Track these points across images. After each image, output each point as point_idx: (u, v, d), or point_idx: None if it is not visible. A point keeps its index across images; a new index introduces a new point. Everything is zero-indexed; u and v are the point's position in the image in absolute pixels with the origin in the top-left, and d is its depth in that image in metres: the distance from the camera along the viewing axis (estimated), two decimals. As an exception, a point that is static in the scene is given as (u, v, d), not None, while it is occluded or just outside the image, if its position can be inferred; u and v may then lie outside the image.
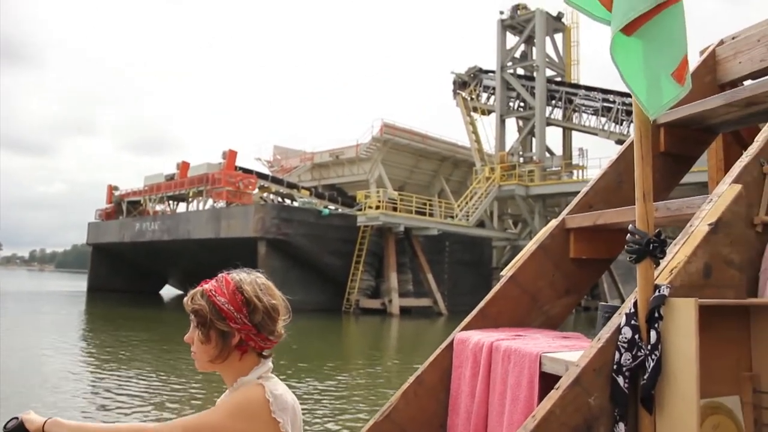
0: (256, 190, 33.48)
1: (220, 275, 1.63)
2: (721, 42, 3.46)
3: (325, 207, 31.76)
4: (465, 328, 2.80)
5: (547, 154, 38.10)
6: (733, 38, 3.40)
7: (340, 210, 32.67)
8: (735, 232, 2.04)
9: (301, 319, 24.64)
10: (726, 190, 2.08)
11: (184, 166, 36.55)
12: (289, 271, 28.66)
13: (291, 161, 41.09)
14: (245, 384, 1.57)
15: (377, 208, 30.62)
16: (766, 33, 3.14)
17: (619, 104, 33.82)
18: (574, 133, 38.41)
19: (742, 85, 3.39)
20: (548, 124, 37.91)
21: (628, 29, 1.82)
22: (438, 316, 29.95)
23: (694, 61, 3.49)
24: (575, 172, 36.55)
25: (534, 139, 38.55)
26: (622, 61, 1.83)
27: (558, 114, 38.12)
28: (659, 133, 3.15)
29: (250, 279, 1.62)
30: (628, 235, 1.90)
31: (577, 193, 3.18)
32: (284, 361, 12.87)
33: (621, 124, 34.11)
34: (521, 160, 37.77)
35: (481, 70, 41.89)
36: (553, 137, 39.60)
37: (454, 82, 42.28)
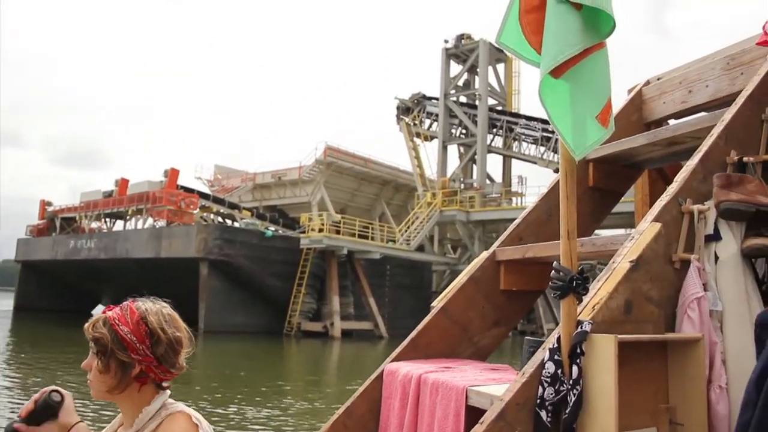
0: (197, 210, 33.02)
1: (125, 303, 1.60)
2: (648, 82, 3.60)
3: (267, 228, 31.53)
4: (395, 359, 2.81)
5: (488, 181, 38.77)
6: (659, 79, 3.54)
7: (282, 232, 32.46)
8: (654, 269, 2.11)
9: (242, 341, 24.42)
10: (646, 229, 2.16)
11: (122, 183, 35.83)
12: (231, 293, 28.32)
13: (232, 181, 40.70)
14: (164, 414, 1.54)
15: (320, 230, 30.56)
16: (687, 76, 3.28)
17: (558, 134, 34.57)
18: (514, 161, 39.30)
19: (667, 124, 3.53)
20: (489, 152, 38.64)
21: (556, 72, 1.88)
22: (379, 340, 29.93)
23: (622, 99, 3.62)
24: (514, 199, 37.38)
25: (475, 166, 39.24)
26: (550, 102, 1.88)
27: (499, 142, 39.00)
28: (588, 169, 3.25)
29: (156, 309, 1.59)
30: (553, 271, 1.95)
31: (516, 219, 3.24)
32: (216, 383, 12.64)
33: (559, 154, 34.98)
34: (462, 186, 38.34)
35: (424, 97, 42.47)
36: (494, 164, 40.39)
37: (398, 108, 42.76)
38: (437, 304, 2.93)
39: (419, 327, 2.87)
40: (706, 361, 2.10)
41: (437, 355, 2.87)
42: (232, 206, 34.82)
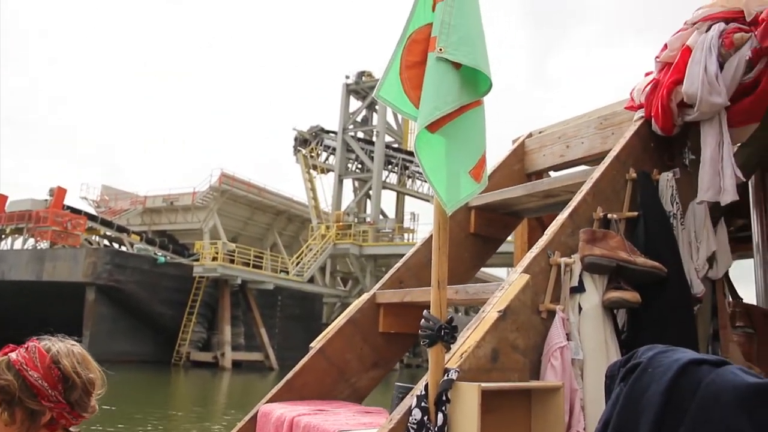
0: (83, 232, 31.62)
1: (30, 344, 1.46)
2: (530, 134, 3.77)
3: (158, 254, 30.58)
4: (270, 400, 2.78)
5: (381, 216, 39.28)
6: (540, 132, 3.71)
7: (170, 258, 31.53)
8: (522, 319, 2.19)
9: (127, 371, 23.38)
10: (516, 279, 2.24)
11: (1, 200, 33.88)
12: (117, 320, 27.22)
13: (120, 203, 39.26)
14: None
15: (215, 259, 29.92)
16: (565, 132, 3.45)
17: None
18: (407, 197, 40.16)
19: (548, 175, 3.70)
20: (384, 188, 39.26)
21: (433, 127, 1.95)
22: (269, 371, 29.42)
23: (506, 150, 3.77)
24: (406, 235, 38.03)
25: (369, 201, 39.74)
26: (425, 156, 1.94)
27: (393, 179, 39.82)
28: (470, 216, 3.36)
29: (67, 350, 1.47)
30: (422, 320, 1.99)
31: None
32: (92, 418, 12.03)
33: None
34: (356, 220, 38.62)
35: (323, 130, 42.70)
36: (388, 200, 41.04)
37: (296, 139, 42.75)
38: (315, 345, 2.93)
39: (296, 368, 2.86)
40: (566, 407, 2.19)
41: (313, 397, 2.86)
42: (121, 230, 33.58)
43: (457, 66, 1.97)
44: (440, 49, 1.96)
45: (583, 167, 3.49)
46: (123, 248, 32.02)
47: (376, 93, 2.03)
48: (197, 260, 30.43)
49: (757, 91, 2.58)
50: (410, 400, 2.02)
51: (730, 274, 4.90)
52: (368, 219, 38.59)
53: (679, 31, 2.87)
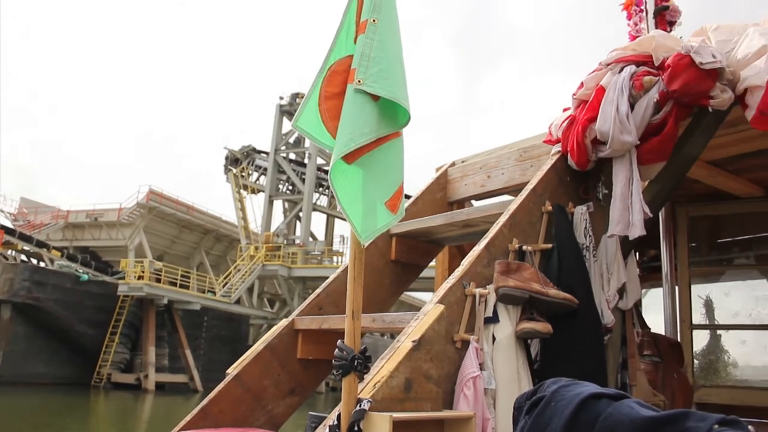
0: (-1, 247, 30.35)
1: None
2: (453, 163, 3.83)
3: (80, 271, 29.58)
4: (184, 428, 2.72)
5: (311, 239, 39.09)
6: (463, 161, 3.78)
7: (97, 276, 30.53)
8: (436, 349, 2.22)
9: (40, 394, 22.44)
10: (431, 309, 2.27)
11: None
12: (33, 340, 26.13)
13: (41, 217, 37.90)
14: None
15: (140, 278, 29.15)
16: (486, 162, 3.53)
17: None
18: (337, 220, 40.05)
19: (470, 204, 3.77)
20: (314, 210, 39.15)
21: (349, 158, 1.96)
22: (193, 393, 28.72)
23: (429, 178, 3.82)
24: (335, 257, 37.91)
25: (299, 223, 39.54)
26: (340, 186, 1.95)
27: (324, 201, 39.84)
28: (391, 243, 3.38)
29: None
30: (336, 350, 1.99)
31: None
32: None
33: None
34: (285, 241, 38.33)
35: (254, 150, 42.32)
36: (318, 222, 40.91)
37: (227, 158, 42.23)
38: (231, 371, 2.89)
39: (210, 395, 2.81)
40: (478, 437, 2.22)
41: (228, 424, 2.81)
42: (41, 245, 32.38)
43: (375, 98, 2.00)
44: (359, 81, 1.98)
45: (505, 197, 3.58)
46: (42, 264, 30.86)
47: (294, 123, 2.04)
48: (122, 278, 29.60)
49: (664, 132, 2.70)
50: (323, 430, 2.01)
51: (642, 303, 5.10)
52: (298, 241, 38.38)
53: (594, 71, 2.98)
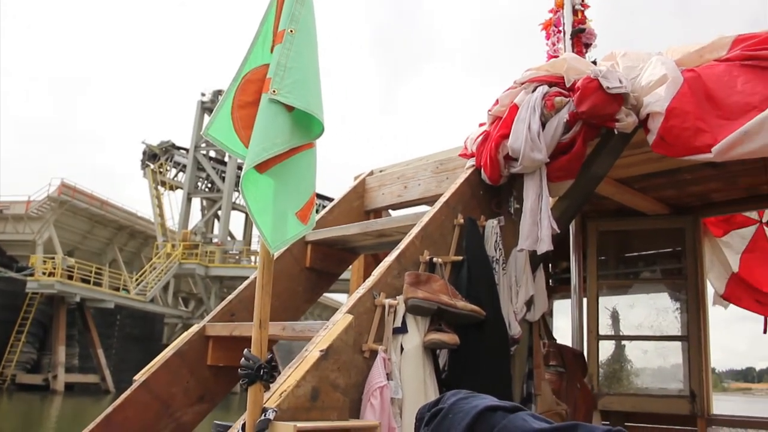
0: None
1: None
2: (372, 172, 3.87)
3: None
4: (86, 436, 2.65)
5: (229, 238, 38.54)
6: (381, 171, 3.82)
7: (3, 272, 29.21)
8: (344, 359, 2.23)
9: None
10: (340, 319, 2.29)
11: None
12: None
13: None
14: None
15: (51, 274, 28.04)
16: (404, 172, 3.58)
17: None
18: (255, 221, 39.59)
19: (388, 213, 3.81)
20: (233, 209, 38.56)
21: (261, 167, 1.96)
22: (105, 394, 27.84)
23: (347, 186, 3.84)
24: (254, 257, 37.47)
25: (218, 222, 38.93)
26: (251, 196, 1.95)
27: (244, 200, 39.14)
28: (306, 250, 3.38)
29: None
30: (242, 359, 1.99)
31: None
32: None
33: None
34: (203, 240, 37.67)
35: (173, 146, 41.39)
36: (237, 222, 40.36)
37: (145, 153, 41.13)
38: (139, 377, 2.83)
39: (116, 402, 2.75)
40: (383, 446, 2.25)
41: (134, 432, 2.75)
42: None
43: (290, 108, 2.00)
44: (273, 91, 1.98)
45: (422, 207, 3.63)
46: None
47: (205, 131, 2.03)
48: (31, 275, 28.44)
49: (572, 151, 2.81)
50: (226, 439, 2.00)
51: (553, 313, 5.26)
52: (216, 239, 37.79)
53: (509, 89, 3.07)
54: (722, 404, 4.71)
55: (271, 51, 2.07)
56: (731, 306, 5.17)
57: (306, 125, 2.05)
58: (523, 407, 1.60)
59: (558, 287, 5.16)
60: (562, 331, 4.59)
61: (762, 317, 5.20)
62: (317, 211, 3.32)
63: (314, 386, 2.13)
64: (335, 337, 2.21)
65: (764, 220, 4.87)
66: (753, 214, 4.99)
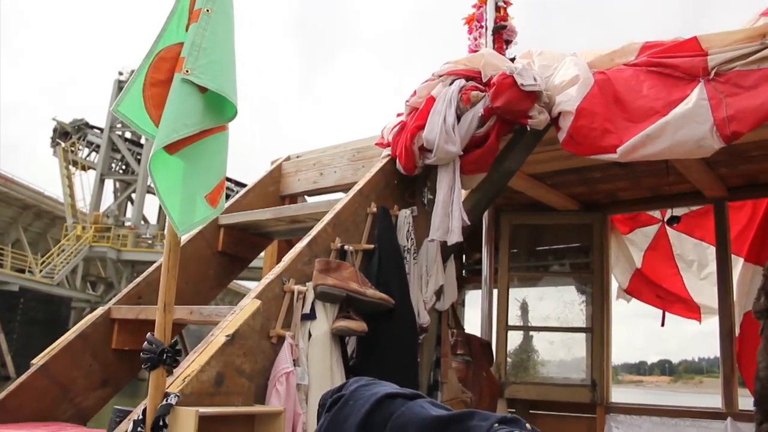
0: None
1: None
2: (288, 158, 3.84)
3: None
4: (-22, 422, 2.55)
5: (143, 222, 37.51)
6: (298, 157, 3.80)
7: None
8: (250, 344, 2.22)
9: None
10: (248, 304, 2.27)
11: None
12: None
13: None
14: None
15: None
16: (320, 159, 3.57)
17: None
18: (172, 204, 38.65)
19: (303, 199, 3.79)
20: (148, 192, 37.52)
21: (171, 148, 1.92)
22: (5, 380, 26.72)
23: (263, 171, 3.81)
24: (167, 242, 36.62)
25: (131, 205, 37.86)
26: (160, 177, 1.91)
27: (159, 183, 38.18)
28: (218, 234, 3.33)
29: None
30: (145, 343, 1.95)
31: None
32: None
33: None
34: (116, 223, 36.53)
35: (87, 125, 39.78)
36: (151, 205, 39.29)
37: (55, 131, 39.33)
38: (37, 361, 2.74)
39: (10, 388, 2.65)
40: (287, 430, 2.25)
41: (30, 419, 2.65)
42: None
43: (203, 90, 1.97)
44: (187, 71, 1.94)
45: (339, 195, 3.63)
46: None
47: (115, 107, 1.97)
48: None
49: (486, 145, 2.87)
50: (126, 425, 1.96)
51: (465, 303, 5.37)
52: (129, 223, 36.72)
53: (427, 81, 3.11)
54: (617, 394, 4.91)
55: (186, 29, 2.03)
56: (631, 302, 5.41)
57: (218, 107, 2.02)
58: (422, 394, 1.63)
59: (471, 278, 5.27)
60: (474, 322, 4.69)
61: (660, 312, 5.46)
62: (229, 197, 3.30)
63: (219, 371, 2.11)
64: (242, 322, 2.19)
65: (665, 220, 5.09)
66: (656, 214, 5.22)
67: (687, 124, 2.53)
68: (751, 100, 2.46)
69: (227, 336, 2.15)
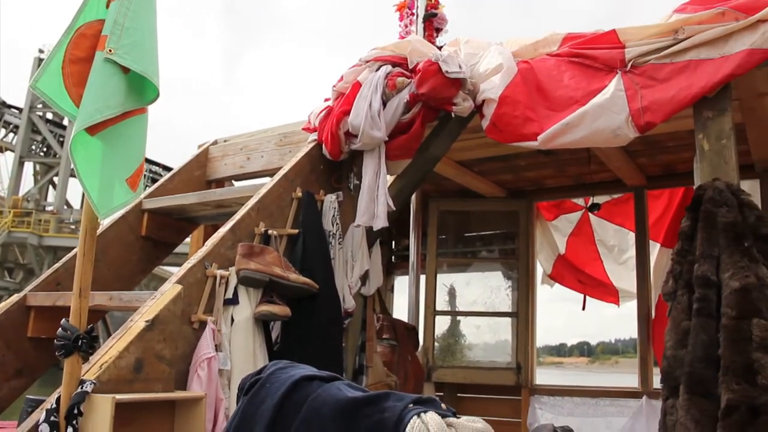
0: None
1: None
2: (216, 142, 3.79)
3: None
4: None
5: (66, 206, 36.36)
6: (225, 141, 3.76)
7: None
8: (170, 329, 2.19)
9: None
10: (168, 289, 2.24)
11: None
12: None
13: None
14: None
15: None
16: (247, 144, 3.54)
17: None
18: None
19: (231, 184, 3.75)
20: (72, 176, 36.37)
21: (92, 130, 1.87)
22: None
23: (189, 155, 3.75)
24: (92, 228, 35.59)
25: (54, 189, 36.63)
26: (80, 158, 1.86)
27: (84, 167, 37.08)
28: (142, 219, 3.27)
29: None
30: (60, 329, 1.91)
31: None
32: None
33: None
34: (37, 207, 35.29)
35: (4, 104, 38.28)
36: (75, 189, 38.13)
37: (-31, 110, 37.85)
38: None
39: None
40: (210, 416, 2.24)
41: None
42: None
43: (125, 70, 1.93)
44: (110, 50, 1.90)
45: (266, 179, 3.61)
46: None
47: (33, 83, 1.90)
48: None
49: (411, 131, 2.89)
50: (39, 414, 1.92)
51: (395, 289, 5.42)
52: (51, 207, 35.49)
53: (354, 66, 3.11)
54: (540, 376, 5.05)
55: (107, 6, 1.98)
56: (554, 286, 5.55)
57: (140, 89, 1.99)
58: (340, 377, 1.65)
59: (400, 264, 5.31)
60: (404, 308, 4.73)
61: (582, 296, 5.62)
62: (156, 181, 3.24)
63: (138, 357, 2.08)
64: (162, 307, 2.17)
65: (587, 206, 5.22)
66: (580, 201, 5.35)
67: (604, 113, 2.61)
68: (664, 92, 2.55)
69: (147, 321, 2.12)
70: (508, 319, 5.07)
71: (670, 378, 2.20)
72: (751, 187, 4.26)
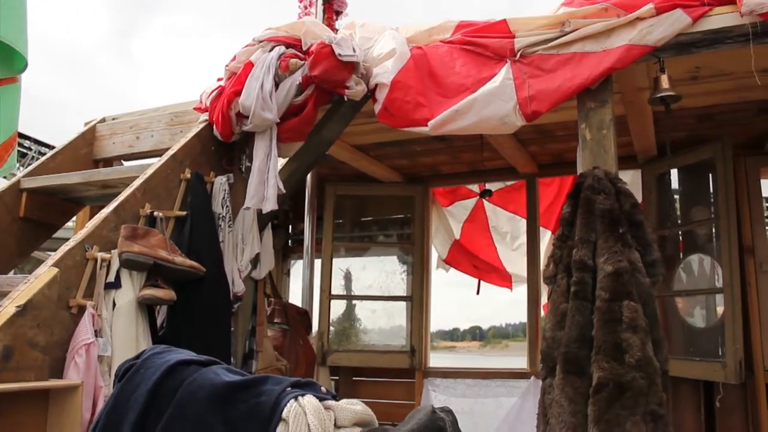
0: None
1: None
2: (104, 119, 3.64)
3: None
4: None
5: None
6: (114, 119, 3.62)
7: None
8: (45, 315, 2.09)
9: None
10: (44, 273, 2.14)
11: None
12: None
13: None
14: None
15: None
16: (137, 122, 3.42)
17: (34, 151, 32.71)
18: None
19: (119, 164, 3.61)
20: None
21: (-50, 101, 1.77)
22: None
23: (74, 132, 3.58)
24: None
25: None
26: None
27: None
28: (20, 198, 3.11)
29: None
30: None
31: None
32: None
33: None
34: None
35: None
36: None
37: None
38: None
39: None
40: (89, 405, 2.16)
41: None
42: None
43: (-9, 40, 1.82)
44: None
45: (154, 159, 3.50)
46: None
47: None
48: None
49: (303, 113, 2.87)
50: None
51: (291, 273, 5.39)
52: None
53: (247, 46, 3.05)
54: (434, 360, 5.15)
55: (-28, -25, 1.86)
56: (449, 271, 5.66)
57: (7, 59, 1.88)
58: (218, 361, 1.63)
59: (297, 248, 5.28)
60: (300, 292, 4.70)
61: (476, 281, 5.76)
62: (35, 159, 3.08)
63: (7, 345, 1.97)
64: (36, 291, 2.06)
65: (480, 193, 5.34)
66: (475, 187, 5.47)
67: (493, 101, 2.67)
68: (550, 83, 2.63)
69: (18, 307, 2.01)
70: (403, 304, 5.14)
71: (549, 358, 2.28)
72: (633, 177, 4.48)
